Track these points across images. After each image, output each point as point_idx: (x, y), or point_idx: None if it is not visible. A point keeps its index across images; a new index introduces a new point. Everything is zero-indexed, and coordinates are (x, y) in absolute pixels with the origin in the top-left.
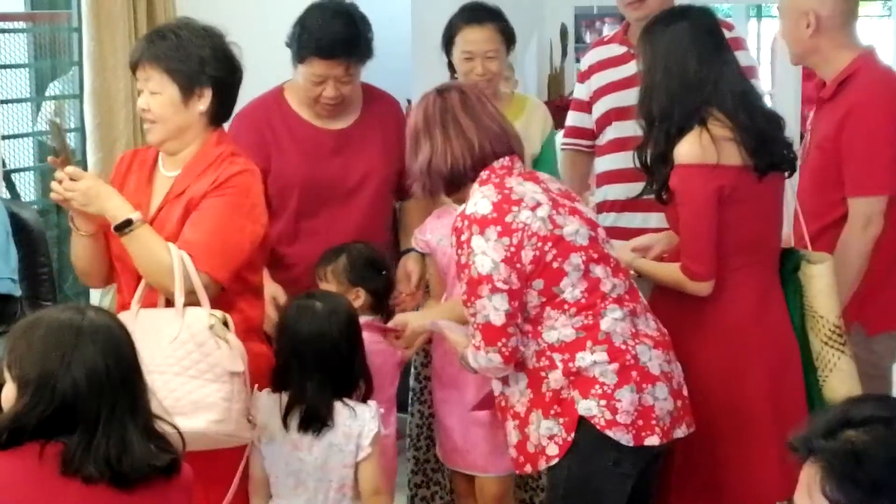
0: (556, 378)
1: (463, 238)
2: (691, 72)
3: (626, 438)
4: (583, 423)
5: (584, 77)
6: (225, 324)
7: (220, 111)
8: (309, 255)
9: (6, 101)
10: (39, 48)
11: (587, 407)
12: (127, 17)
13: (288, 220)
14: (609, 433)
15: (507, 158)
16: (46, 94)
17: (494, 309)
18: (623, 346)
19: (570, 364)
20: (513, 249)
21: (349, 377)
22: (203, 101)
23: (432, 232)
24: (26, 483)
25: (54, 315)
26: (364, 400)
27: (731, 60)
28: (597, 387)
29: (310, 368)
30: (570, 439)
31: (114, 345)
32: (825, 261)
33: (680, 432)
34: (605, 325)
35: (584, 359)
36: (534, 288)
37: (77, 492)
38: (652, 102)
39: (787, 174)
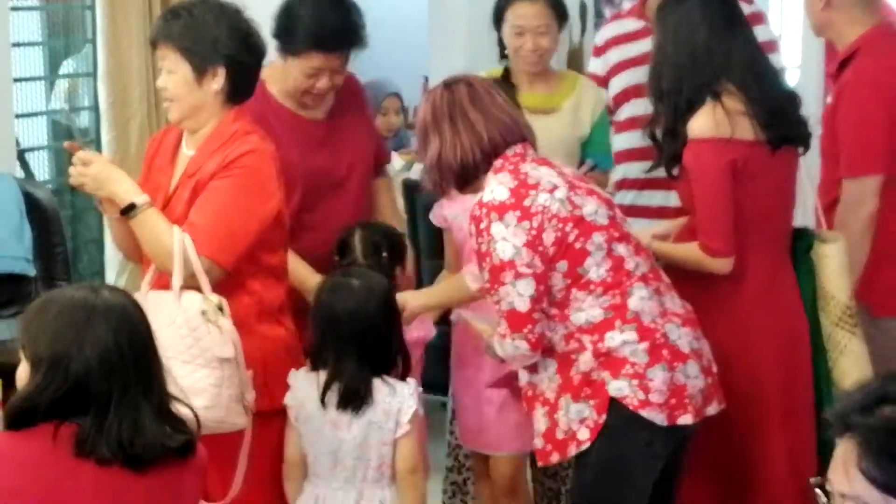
0: (585, 360)
1: (482, 226)
2: (700, 45)
3: (659, 418)
4: (614, 405)
5: (599, 52)
6: (220, 308)
7: (236, 90)
8: (312, 248)
9: (20, 80)
10: (53, 26)
11: (618, 387)
12: None
13: (291, 214)
14: (642, 413)
15: (519, 146)
16: (60, 72)
17: (518, 295)
18: (652, 325)
19: (600, 345)
20: (534, 233)
21: (387, 355)
22: (217, 80)
23: (449, 208)
24: (41, 463)
25: (68, 294)
26: (403, 378)
27: (744, 33)
28: (628, 366)
29: (347, 346)
30: (601, 421)
31: (127, 324)
32: (838, 240)
33: (711, 409)
34: (632, 304)
35: (613, 339)
36: (558, 270)
37: (91, 473)
38: (661, 78)
39: (801, 150)
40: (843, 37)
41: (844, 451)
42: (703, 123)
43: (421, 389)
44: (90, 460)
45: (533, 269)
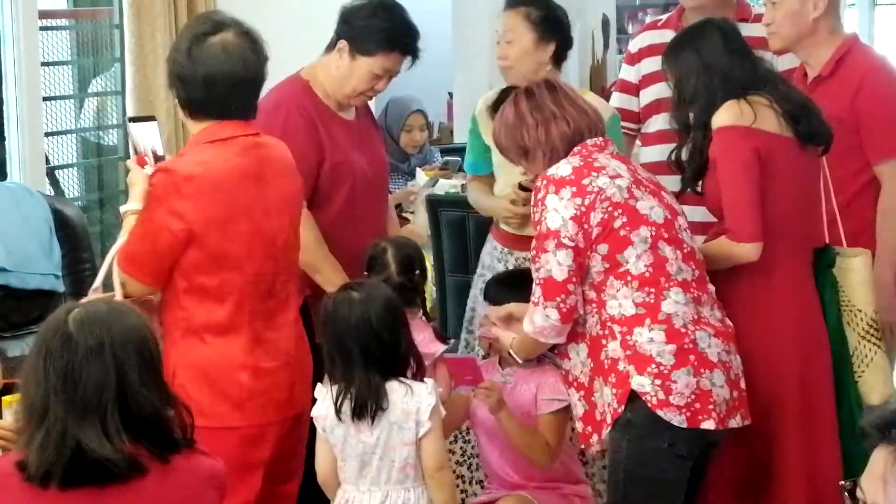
0: (614, 348)
1: (539, 196)
2: (726, 68)
3: (678, 420)
4: (635, 399)
5: (633, 60)
6: None
7: (195, 106)
8: (355, 242)
9: (50, 98)
10: (82, 45)
11: (640, 382)
12: (167, 13)
13: (339, 209)
14: (660, 413)
15: (601, 139)
16: (89, 90)
17: (558, 264)
18: (682, 330)
19: (628, 337)
20: (583, 209)
21: (396, 360)
22: (178, 97)
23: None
24: (18, 485)
25: (43, 332)
26: (418, 380)
27: (760, 59)
28: (653, 366)
29: (353, 358)
30: (619, 411)
31: (65, 350)
32: (862, 255)
33: (734, 423)
34: (665, 306)
35: (641, 334)
36: (598, 252)
37: (34, 497)
38: (689, 106)
39: (821, 151)
40: (822, 46)
41: (883, 462)
42: (725, 114)
43: (440, 390)
44: (33, 483)
45: (575, 243)
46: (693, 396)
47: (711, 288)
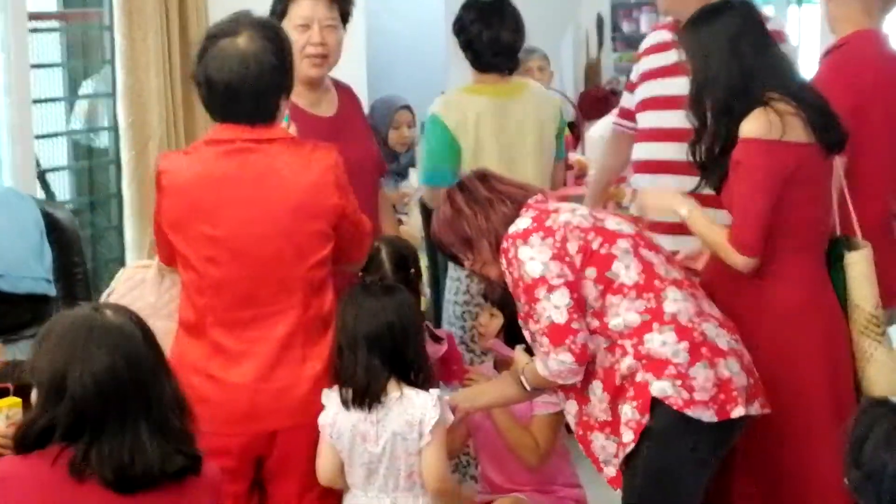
0: (628, 364)
1: (510, 255)
2: (748, 59)
3: (707, 415)
4: (658, 406)
5: (638, 59)
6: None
7: (204, 105)
8: None
9: (40, 101)
10: (72, 47)
11: (661, 388)
12: (159, 15)
13: None
14: (688, 412)
15: (539, 195)
16: (80, 93)
17: (555, 307)
18: (689, 325)
19: (640, 347)
20: (558, 245)
21: (403, 361)
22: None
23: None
24: (45, 487)
25: (71, 316)
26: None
27: (778, 47)
28: (671, 367)
29: (360, 348)
30: (644, 422)
31: (125, 343)
32: (862, 248)
33: (753, 409)
34: (668, 306)
35: (652, 340)
36: (588, 278)
37: (83, 496)
38: (705, 96)
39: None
40: (837, 31)
41: None
42: (753, 125)
43: (447, 398)
44: (84, 483)
45: (564, 278)
46: (715, 389)
47: (700, 288)
